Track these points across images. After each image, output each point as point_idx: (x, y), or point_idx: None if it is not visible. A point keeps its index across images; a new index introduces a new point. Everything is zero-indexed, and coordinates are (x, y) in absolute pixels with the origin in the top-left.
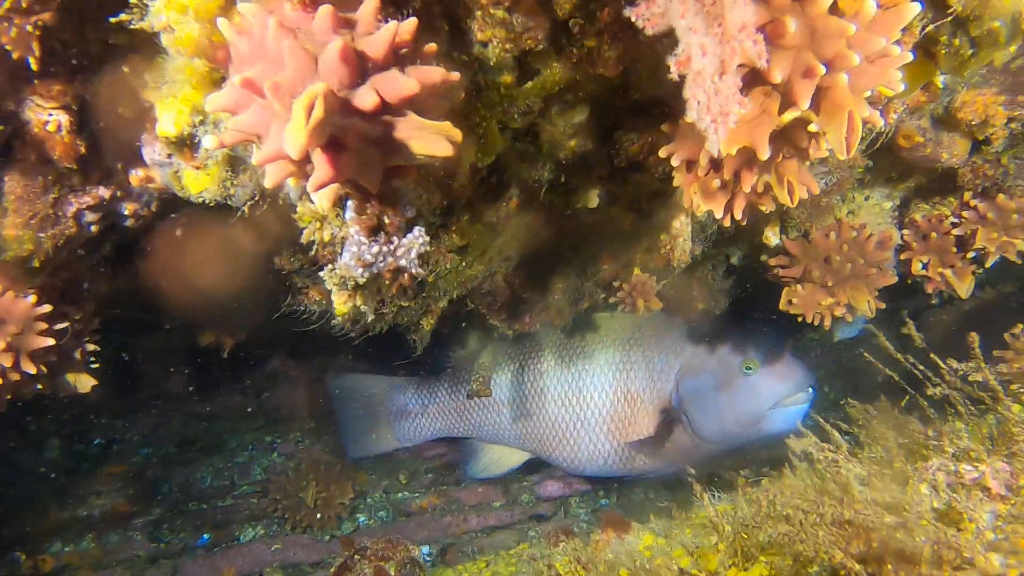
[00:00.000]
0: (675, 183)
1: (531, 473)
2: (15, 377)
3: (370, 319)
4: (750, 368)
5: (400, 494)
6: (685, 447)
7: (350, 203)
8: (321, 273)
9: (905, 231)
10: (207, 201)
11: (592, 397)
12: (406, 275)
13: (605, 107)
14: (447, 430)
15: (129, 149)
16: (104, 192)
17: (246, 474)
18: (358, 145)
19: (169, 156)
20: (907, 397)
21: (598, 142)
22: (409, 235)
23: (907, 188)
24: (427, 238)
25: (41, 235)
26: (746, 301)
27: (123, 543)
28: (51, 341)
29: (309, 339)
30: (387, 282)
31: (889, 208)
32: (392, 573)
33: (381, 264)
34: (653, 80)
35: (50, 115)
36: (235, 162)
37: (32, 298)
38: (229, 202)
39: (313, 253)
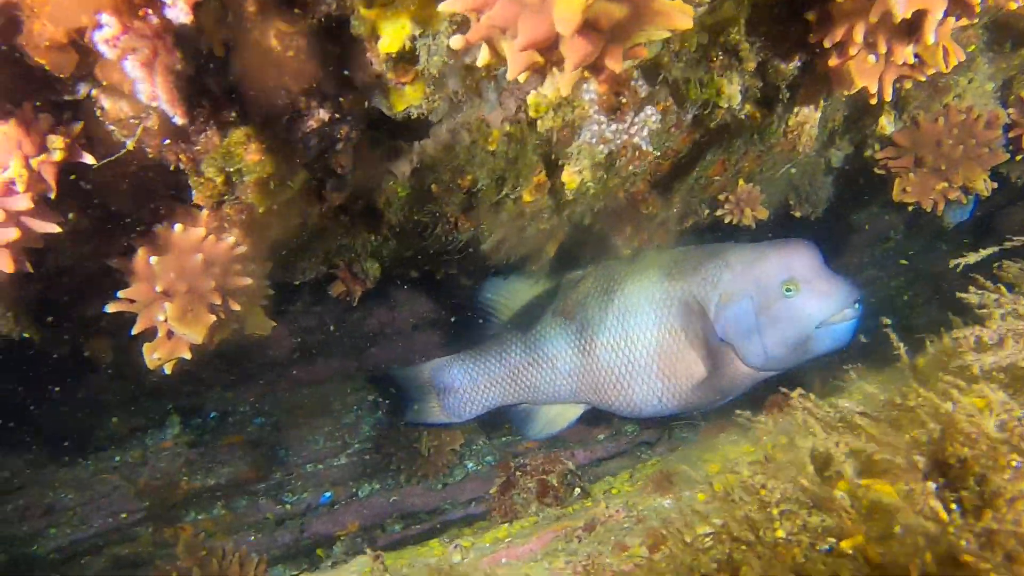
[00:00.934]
0: (824, 66)
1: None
2: (222, 316)
3: (590, 192)
4: (790, 290)
5: (504, 439)
6: (736, 377)
7: (587, 85)
8: (567, 149)
9: (1011, 109)
10: (412, 116)
11: (638, 339)
12: (638, 152)
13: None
14: (500, 399)
15: (342, 73)
16: (324, 115)
17: (356, 432)
18: (607, 27)
19: (379, 76)
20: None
21: (746, 34)
22: (642, 113)
23: (1011, 67)
24: (660, 115)
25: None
26: (846, 202)
27: (251, 508)
28: (250, 280)
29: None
30: (623, 158)
31: (991, 90)
32: (555, 484)
33: (618, 141)
34: None
35: (290, 40)
36: (437, 80)
37: (231, 239)
38: (431, 116)
39: (469, 181)
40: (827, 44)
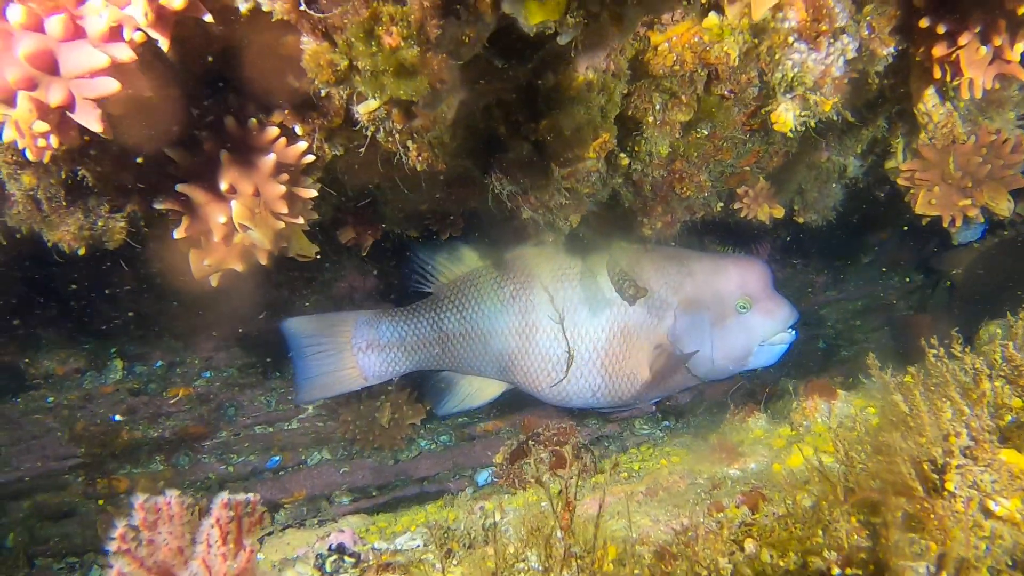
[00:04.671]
0: (927, 55)
1: None
2: (283, 227)
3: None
4: (745, 306)
5: (460, 419)
6: (674, 382)
7: (784, 13)
8: (764, 77)
9: None
10: (544, 32)
11: (587, 332)
12: (835, 82)
13: None
14: (423, 364)
15: None
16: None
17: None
18: None
19: None
20: None
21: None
22: (839, 42)
23: None
24: (862, 40)
25: None
26: (856, 216)
27: (193, 465)
28: (315, 193)
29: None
30: (821, 88)
31: (1014, 118)
32: (569, 456)
33: (818, 70)
34: None
35: None
36: None
37: (304, 144)
38: (559, 37)
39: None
40: (940, 31)
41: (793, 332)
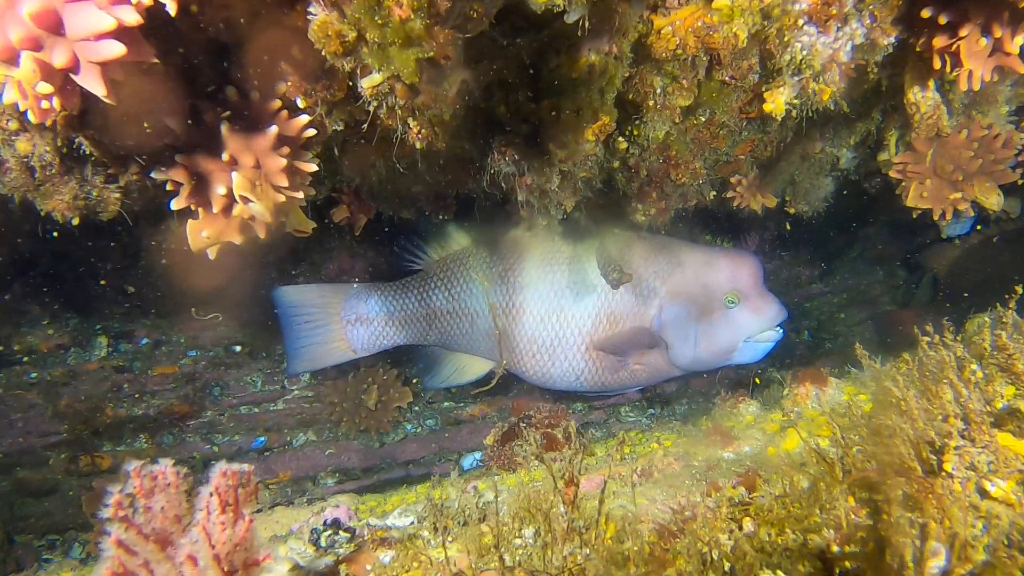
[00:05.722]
0: (927, 45)
1: None
2: (283, 200)
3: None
4: (732, 301)
5: (446, 403)
6: (656, 369)
7: None
8: (769, 62)
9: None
10: (552, 11)
11: (573, 316)
12: (842, 67)
13: None
14: (411, 339)
15: None
16: None
17: (296, 378)
18: None
19: None
20: None
21: None
22: (847, 27)
23: None
24: (866, 29)
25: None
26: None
27: (177, 444)
28: (316, 167)
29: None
30: (827, 72)
31: (1005, 113)
32: (561, 438)
33: (827, 54)
34: None
35: None
36: None
37: (305, 117)
38: (566, 16)
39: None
40: (942, 21)
41: (780, 331)
